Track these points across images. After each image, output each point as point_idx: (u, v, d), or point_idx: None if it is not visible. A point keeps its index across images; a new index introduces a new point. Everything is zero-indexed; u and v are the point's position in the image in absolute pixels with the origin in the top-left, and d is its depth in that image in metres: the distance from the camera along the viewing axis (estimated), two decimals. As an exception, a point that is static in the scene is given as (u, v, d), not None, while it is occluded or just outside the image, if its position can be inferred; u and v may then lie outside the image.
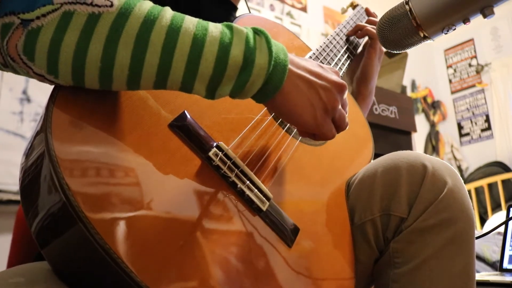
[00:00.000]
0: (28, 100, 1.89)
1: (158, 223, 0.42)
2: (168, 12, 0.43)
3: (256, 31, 0.46)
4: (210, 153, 0.50)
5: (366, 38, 0.94)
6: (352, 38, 0.92)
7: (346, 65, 0.86)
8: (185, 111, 0.52)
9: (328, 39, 0.86)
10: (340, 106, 0.54)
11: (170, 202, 0.44)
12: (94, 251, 0.36)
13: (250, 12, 0.85)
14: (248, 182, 0.52)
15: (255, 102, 0.49)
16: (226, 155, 0.51)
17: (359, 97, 0.91)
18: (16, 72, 0.42)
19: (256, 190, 0.52)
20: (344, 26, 0.94)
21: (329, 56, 0.82)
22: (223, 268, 0.44)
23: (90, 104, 0.44)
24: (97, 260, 0.37)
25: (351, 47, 0.91)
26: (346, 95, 0.55)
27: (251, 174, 0.53)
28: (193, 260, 0.42)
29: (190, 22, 0.43)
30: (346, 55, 0.87)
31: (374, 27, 0.90)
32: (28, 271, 0.42)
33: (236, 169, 0.51)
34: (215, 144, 0.52)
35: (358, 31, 0.92)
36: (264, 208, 0.51)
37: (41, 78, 0.41)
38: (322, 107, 0.51)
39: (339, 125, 0.54)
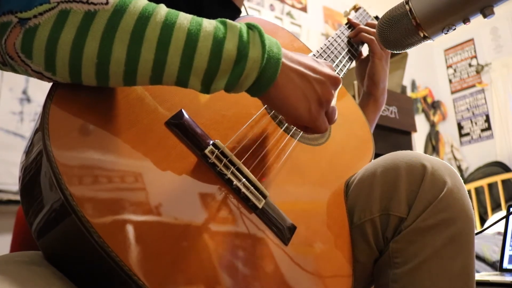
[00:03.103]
0: (28, 100, 1.89)
1: (152, 220, 0.42)
2: (162, 9, 0.44)
3: (250, 26, 0.47)
4: (206, 151, 0.50)
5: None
6: (344, 52, 0.92)
7: (348, 66, 0.87)
8: (182, 109, 0.52)
9: (329, 41, 0.87)
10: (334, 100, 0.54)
11: (165, 199, 0.44)
12: (91, 246, 0.37)
13: (247, 14, 0.85)
14: (244, 179, 0.52)
15: (252, 101, 0.49)
16: (222, 153, 0.52)
17: (371, 99, 0.92)
18: (15, 71, 0.43)
19: (252, 188, 0.52)
20: (345, 29, 0.94)
21: (330, 57, 0.82)
22: (217, 265, 0.44)
23: (87, 101, 0.45)
24: (92, 254, 0.37)
25: (352, 49, 0.92)
26: (339, 89, 0.55)
27: (247, 172, 0.53)
28: (186, 256, 0.42)
29: (185, 18, 0.44)
30: (348, 56, 0.88)
31: (367, 34, 0.90)
32: (31, 254, 0.44)
33: (232, 167, 0.52)
34: (211, 142, 0.52)
35: (355, 35, 0.92)
36: (260, 206, 0.52)
37: (39, 75, 0.42)
38: (317, 100, 0.52)
39: (330, 118, 0.55)
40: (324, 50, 0.83)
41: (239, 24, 0.46)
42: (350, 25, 0.96)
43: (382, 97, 0.93)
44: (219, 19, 0.47)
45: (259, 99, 0.50)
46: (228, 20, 0.46)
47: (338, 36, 0.90)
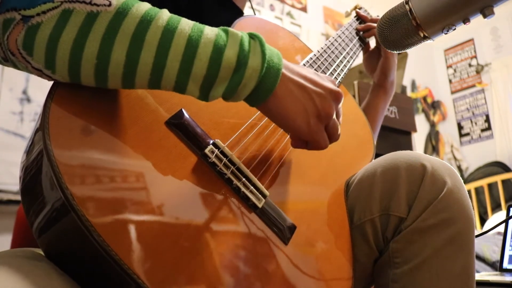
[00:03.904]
0: (28, 100, 1.89)
1: (152, 219, 0.42)
2: (165, 14, 0.44)
3: (251, 35, 0.47)
4: (206, 150, 0.50)
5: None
6: (354, 41, 0.93)
7: (348, 66, 0.87)
8: (183, 109, 0.52)
9: (329, 41, 0.87)
10: (334, 115, 0.53)
11: (165, 198, 0.44)
12: (91, 245, 0.37)
13: (254, 14, 0.85)
14: (244, 179, 0.52)
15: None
16: (222, 152, 0.52)
17: (381, 90, 0.98)
18: (16, 67, 0.43)
19: (252, 187, 0.52)
20: (346, 29, 0.95)
21: (330, 57, 0.82)
22: (217, 264, 0.44)
23: (87, 101, 0.45)
24: (92, 252, 0.38)
25: (360, 39, 0.95)
26: (342, 103, 0.55)
27: (247, 171, 0.53)
28: (186, 255, 0.42)
29: (186, 24, 0.44)
30: (358, 44, 0.91)
31: None
32: (33, 251, 0.44)
33: (232, 166, 0.52)
34: (211, 141, 0.52)
35: (368, 28, 0.97)
36: (260, 205, 0.52)
37: (39, 73, 0.42)
38: (316, 114, 0.51)
39: (332, 134, 0.54)
40: (324, 50, 0.83)
41: (241, 33, 0.46)
42: (359, 17, 1.01)
43: (392, 88, 0.99)
44: (222, 27, 0.47)
45: (258, 109, 0.50)
46: (230, 29, 0.46)
47: (339, 36, 0.91)
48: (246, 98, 0.47)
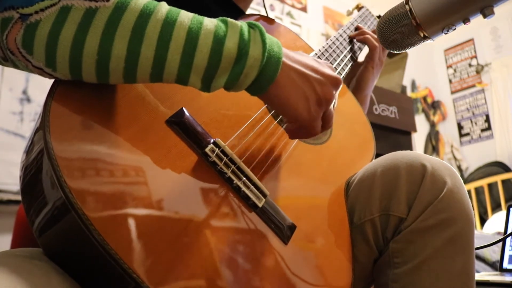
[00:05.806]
0: (28, 100, 1.89)
1: (152, 218, 0.42)
2: (163, 7, 0.44)
3: (251, 25, 0.47)
4: (207, 149, 0.50)
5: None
6: (355, 40, 0.92)
7: (349, 66, 0.86)
8: (183, 108, 0.52)
9: (331, 40, 0.87)
10: (333, 101, 0.54)
11: (165, 196, 0.44)
12: (91, 244, 0.37)
13: (267, 16, 0.85)
14: (244, 178, 0.52)
15: (253, 100, 0.49)
16: (223, 151, 0.52)
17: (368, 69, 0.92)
18: (16, 66, 0.43)
19: (252, 187, 0.52)
20: (348, 28, 0.94)
21: (332, 56, 0.82)
22: (217, 263, 0.44)
23: (88, 99, 0.45)
24: (92, 251, 0.38)
25: (353, 50, 0.92)
26: (339, 90, 0.55)
27: (248, 170, 0.53)
28: (186, 254, 0.42)
29: (186, 16, 0.44)
30: (349, 56, 0.88)
31: (373, 39, 0.90)
32: (32, 250, 0.44)
33: (233, 166, 0.52)
34: (212, 140, 0.52)
35: (360, 35, 0.92)
36: (260, 205, 0.52)
37: (40, 71, 0.42)
38: (317, 101, 0.52)
39: (327, 122, 0.55)
40: (326, 49, 0.83)
41: (240, 22, 0.46)
42: (356, 29, 0.96)
43: (364, 104, 0.92)
44: (220, 17, 0.47)
45: (259, 98, 0.50)
46: (229, 19, 0.46)
47: (341, 35, 0.90)
48: (247, 88, 0.48)
